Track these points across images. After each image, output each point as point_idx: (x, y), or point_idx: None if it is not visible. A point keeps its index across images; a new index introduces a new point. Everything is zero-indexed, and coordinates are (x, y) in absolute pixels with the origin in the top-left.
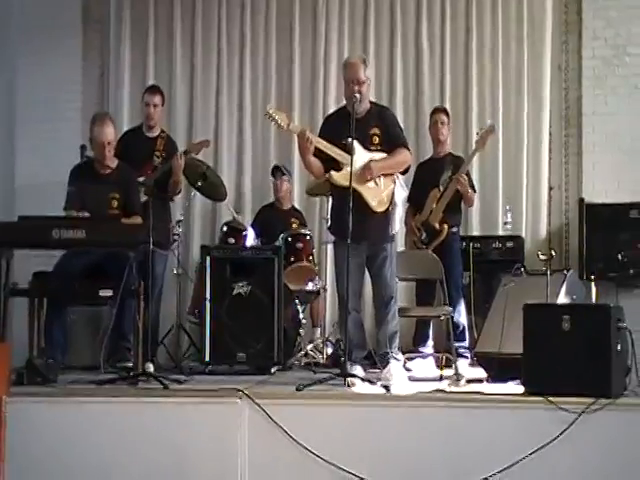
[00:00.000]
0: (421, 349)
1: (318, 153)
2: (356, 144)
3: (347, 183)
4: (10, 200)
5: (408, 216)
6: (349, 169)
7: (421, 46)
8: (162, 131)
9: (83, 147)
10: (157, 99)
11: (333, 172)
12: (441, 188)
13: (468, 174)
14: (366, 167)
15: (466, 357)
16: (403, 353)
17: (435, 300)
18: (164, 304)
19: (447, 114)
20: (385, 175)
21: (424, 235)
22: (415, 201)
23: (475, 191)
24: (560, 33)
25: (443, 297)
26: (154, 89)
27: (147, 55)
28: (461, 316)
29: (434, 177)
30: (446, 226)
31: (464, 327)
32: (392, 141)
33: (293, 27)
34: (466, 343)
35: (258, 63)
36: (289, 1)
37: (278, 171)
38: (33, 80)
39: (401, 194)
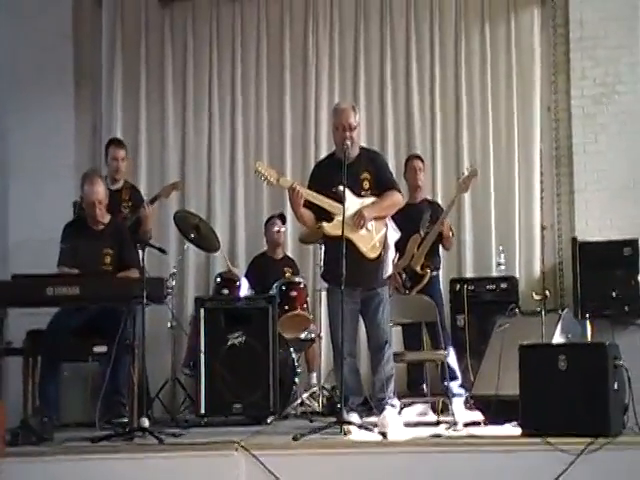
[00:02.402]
0: (416, 393)
1: (309, 204)
2: (347, 191)
3: (339, 233)
4: (3, 258)
5: None
6: (340, 218)
7: (411, 90)
8: (125, 182)
9: (76, 203)
10: (123, 153)
11: (325, 223)
12: (422, 233)
13: None
14: (358, 215)
15: (460, 395)
16: (399, 398)
17: (423, 343)
18: (159, 357)
19: (422, 160)
20: (377, 219)
21: (406, 279)
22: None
23: (453, 234)
24: (549, 74)
25: (437, 340)
26: (120, 143)
27: (139, 111)
28: (451, 357)
29: (412, 223)
30: (429, 270)
31: (454, 367)
32: (383, 185)
33: (284, 77)
34: (459, 381)
35: (250, 114)
36: (279, 52)
37: (281, 218)
38: (25, 136)
39: (394, 237)
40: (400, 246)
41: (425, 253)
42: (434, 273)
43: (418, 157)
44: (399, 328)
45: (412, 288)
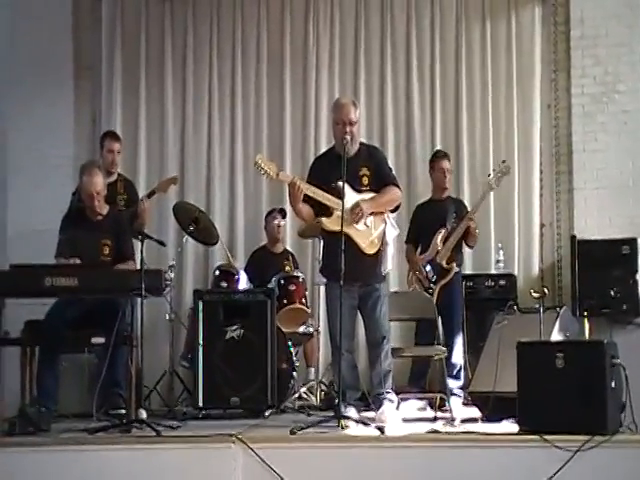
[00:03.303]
0: (416, 389)
1: (307, 199)
2: (346, 187)
3: (338, 228)
4: (2, 248)
5: (411, 255)
6: (339, 213)
7: (411, 86)
8: (119, 174)
9: (75, 194)
10: (118, 145)
11: (324, 218)
12: (449, 227)
13: None
14: (355, 207)
15: (459, 396)
16: (397, 393)
17: (435, 340)
18: (157, 349)
19: (449, 160)
20: (375, 215)
21: (432, 273)
22: (417, 241)
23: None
24: (549, 72)
25: (438, 336)
26: (115, 136)
27: (139, 102)
28: (459, 355)
29: (438, 218)
30: (454, 265)
31: (461, 366)
32: (382, 180)
33: (284, 71)
34: (461, 382)
35: (249, 109)
36: (279, 47)
37: (281, 213)
38: (24, 127)
39: (392, 233)
40: (423, 241)
41: (451, 249)
42: (456, 269)
43: (446, 156)
44: (412, 323)
45: (437, 282)
